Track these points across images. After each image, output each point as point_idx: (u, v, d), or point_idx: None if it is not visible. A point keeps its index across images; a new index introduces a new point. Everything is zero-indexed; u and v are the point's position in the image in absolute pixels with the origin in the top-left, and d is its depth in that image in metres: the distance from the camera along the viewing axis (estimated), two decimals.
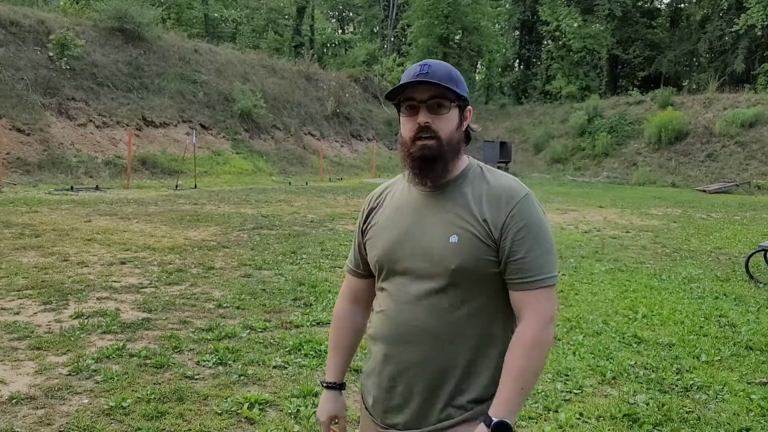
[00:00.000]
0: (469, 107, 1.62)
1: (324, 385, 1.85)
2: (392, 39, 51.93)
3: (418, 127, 1.53)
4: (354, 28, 61.42)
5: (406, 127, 1.56)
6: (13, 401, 3.52)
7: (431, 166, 1.54)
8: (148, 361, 4.20)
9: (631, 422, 3.58)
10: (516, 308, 1.53)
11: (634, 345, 4.99)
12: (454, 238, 1.51)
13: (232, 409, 3.51)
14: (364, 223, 1.74)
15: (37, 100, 19.83)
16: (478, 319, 1.53)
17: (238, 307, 5.67)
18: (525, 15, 48.28)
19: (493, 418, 1.45)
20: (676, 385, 4.16)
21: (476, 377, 1.54)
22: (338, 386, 1.83)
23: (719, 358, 4.74)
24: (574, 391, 3.99)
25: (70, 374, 3.94)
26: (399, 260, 1.58)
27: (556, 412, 3.66)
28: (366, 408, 1.71)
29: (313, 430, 3.33)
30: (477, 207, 1.53)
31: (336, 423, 1.80)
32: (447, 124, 1.54)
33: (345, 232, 10.71)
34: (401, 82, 1.54)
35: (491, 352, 1.54)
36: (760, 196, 22.99)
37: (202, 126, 24.71)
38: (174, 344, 4.56)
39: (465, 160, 1.63)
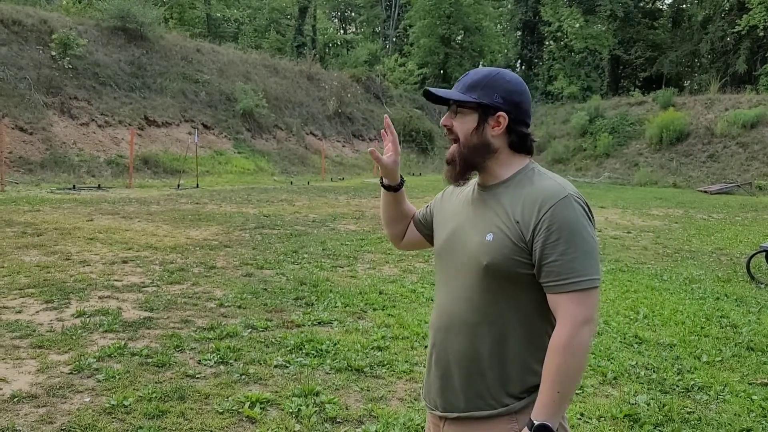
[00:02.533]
0: (501, 113, 1.62)
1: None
2: (394, 39, 51.92)
3: (445, 126, 1.68)
4: (356, 28, 61.44)
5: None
6: (15, 399, 3.53)
7: (452, 165, 1.67)
8: (149, 360, 4.21)
9: (632, 422, 3.58)
10: (552, 310, 1.54)
11: (635, 345, 4.99)
12: (489, 236, 1.56)
13: (233, 408, 3.52)
14: (433, 208, 1.89)
15: (39, 99, 19.86)
16: (511, 317, 1.57)
17: (239, 307, 5.67)
18: (527, 15, 48.26)
19: (534, 422, 1.48)
20: (677, 386, 4.16)
21: (508, 373, 1.57)
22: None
23: (720, 358, 4.74)
24: (576, 391, 3.99)
25: (71, 373, 3.95)
26: (449, 253, 1.69)
27: None
28: (422, 394, 1.80)
29: (314, 430, 3.34)
30: (513, 208, 1.56)
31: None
32: (463, 126, 1.64)
33: (346, 231, 10.72)
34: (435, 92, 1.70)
35: (523, 350, 1.57)
36: (761, 197, 22.96)
37: (204, 125, 24.73)
38: (175, 343, 4.56)
39: (520, 164, 1.65)
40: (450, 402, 1.65)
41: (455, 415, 1.63)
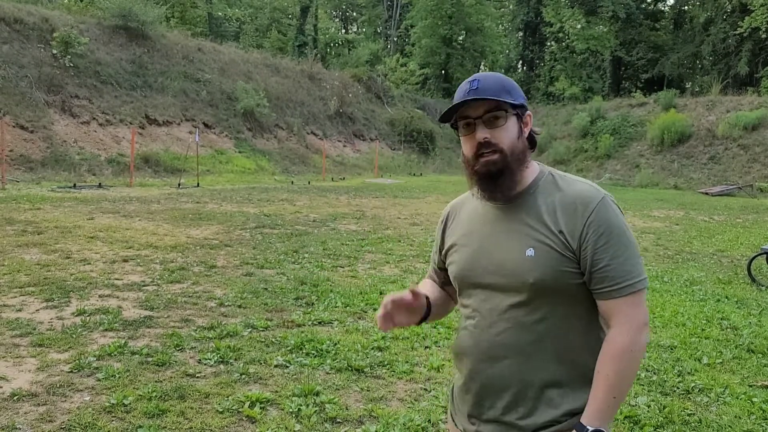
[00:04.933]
0: (528, 112, 1.57)
1: None
2: (395, 39, 51.93)
3: (478, 144, 1.50)
4: (357, 28, 61.47)
5: (467, 146, 1.54)
6: (15, 398, 3.53)
7: (498, 181, 1.51)
8: (149, 359, 4.21)
9: (632, 424, 3.57)
10: (605, 317, 1.49)
11: None
12: (530, 252, 1.48)
13: (233, 408, 3.52)
14: (441, 242, 1.73)
15: (40, 97, 19.86)
16: (561, 330, 1.50)
17: (239, 306, 5.67)
18: (528, 16, 48.27)
19: (588, 427, 1.43)
20: (678, 388, 4.15)
21: (563, 389, 1.50)
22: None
23: (721, 360, 4.73)
24: None
25: (71, 371, 3.95)
26: (477, 276, 1.57)
27: None
28: (456, 425, 1.68)
29: (313, 430, 3.33)
30: (551, 218, 1.49)
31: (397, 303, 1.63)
32: (507, 135, 1.51)
33: (347, 231, 10.72)
34: (453, 103, 1.52)
35: (576, 362, 1.51)
36: (762, 199, 22.94)
37: (205, 125, 24.73)
38: (175, 342, 4.56)
39: (535, 169, 1.58)
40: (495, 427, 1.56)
41: None
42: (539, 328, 1.49)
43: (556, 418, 1.49)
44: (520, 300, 1.49)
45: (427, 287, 1.80)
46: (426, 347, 4.75)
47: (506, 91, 1.51)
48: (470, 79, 1.53)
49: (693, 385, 4.19)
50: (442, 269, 1.75)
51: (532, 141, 1.59)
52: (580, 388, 1.50)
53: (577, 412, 1.48)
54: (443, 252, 1.72)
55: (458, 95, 1.52)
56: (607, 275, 1.45)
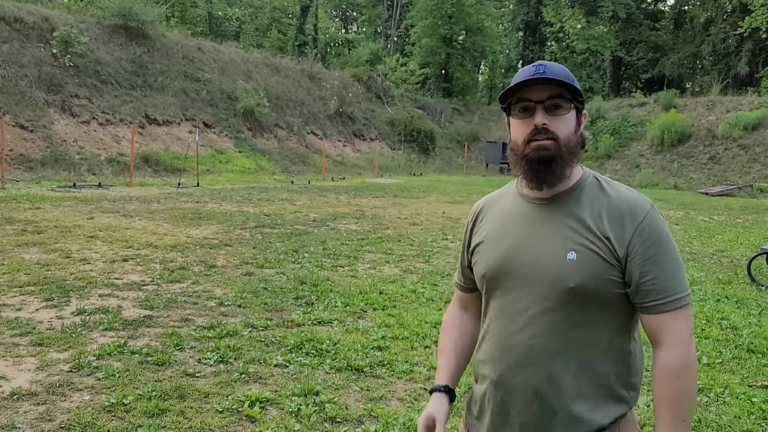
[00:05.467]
0: (585, 111, 1.51)
1: (430, 391, 1.64)
2: (395, 39, 51.94)
3: (534, 129, 1.43)
4: (357, 28, 61.46)
5: (520, 130, 1.46)
6: (15, 397, 3.52)
7: (548, 167, 1.43)
8: (149, 359, 4.21)
9: None
10: (652, 332, 1.42)
11: None
12: (572, 255, 1.40)
13: (233, 407, 3.52)
14: (470, 238, 1.64)
15: (40, 97, 19.86)
16: (596, 340, 1.43)
17: (239, 306, 5.67)
18: (529, 16, 48.31)
19: None
20: None
21: (591, 402, 1.43)
22: (445, 389, 1.62)
23: (721, 360, 4.73)
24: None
25: (71, 371, 3.95)
26: (508, 277, 1.48)
27: None
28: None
29: (313, 430, 3.33)
30: (597, 223, 1.42)
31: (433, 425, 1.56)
32: (565, 125, 1.44)
33: (347, 231, 10.72)
34: (514, 82, 1.44)
35: (603, 374, 1.43)
36: (762, 199, 22.95)
37: (205, 124, 24.73)
38: (175, 342, 4.56)
39: (580, 170, 1.51)
40: None
41: None
42: (573, 335, 1.42)
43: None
44: (555, 304, 1.42)
45: (448, 338, 1.70)
46: (426, 347, 4.75)
47: (571, 80, 1.44)
48: (536, 63, 1.46)
49: None
50: (470, 267, 1.65)
51: (582, 142, 1.52)
52: (604, 402, 1.43)
53: (604, 428, 1.42)
54: (470, 249, 1.62)
55: (520, 76, 1.44)
56: (654, 288, 1.39)
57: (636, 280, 1.40)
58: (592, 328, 1.42)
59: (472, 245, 1.61)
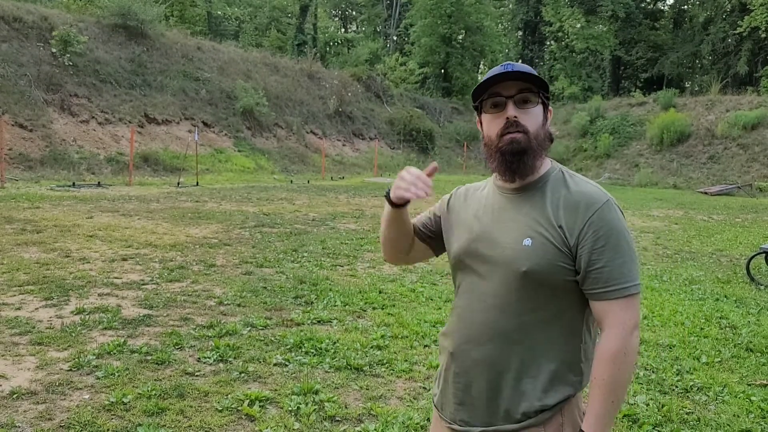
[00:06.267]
0: (551, 108, 1.61)
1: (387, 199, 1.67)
2: (395, 38, 51.93)
3: (506, 122, 1.53)
4: (357, 27, 61.43)
5: (492, 125, 1.56)
6: (14, 396, 3.53)
7: (520, 158, 1.53)
8: (148, 358, 4.21)
9: (630, 423, 3.58)
10: (598, 318, 1.50)
11: None
12: (527, 241, 1.50)
13: (233, 406, 3.52)
14: (442, 210, 1.77)
15: (39, 96, 19.85)
16: (548, 324, 1.52)
17: (239, 305, 5.67)
18: (528, 15, 48.29)
19: None
20: (676, 386, 4.16)
21: (540, 382, 1.52)
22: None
23: (719, 359, 4.74)
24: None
25: (70, 370, 3.95)
26: (474, 259, 1.59)
27: None
28: (435, 404, 1.72)
29: (313, 429, 3.34)
30: (554, 212, 1.51)
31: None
32: (534, 119, 1.55)
33: (346, 230, 10.72)
34: (485, 78, 1.54)
35: (553, 358, 1.52)
36: (761, 199, 22.96)
37: (205, 123, 24.72)
38: (175, 341, 4.56)
39: (548, 164, 1.61)
40: (473, 415, 1.58)
41: (479, 429, 1.57)
42: (525, 318, 1.51)
43: (530, 412, 1.52)
44: (511, 288, 1.51)
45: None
46: (425, 346, 4.76)
47: (536, 77, 1.54)
48: (503, 63, 1.57)
49: (692, 383, 4.20)
50: (423, 230, 1.79)
51: (549, 136, 1.61)
52: (550, 384, 1.51)
53: (546, 409, 1.50)
54: (443, 225, 1.75)
55: (491, 74, 1.54)
56: (601, 276, 1.46)
57: (584, 268, 1.48)
58: (545, 314, 1.51)
59: (444, 221, 1.75)
